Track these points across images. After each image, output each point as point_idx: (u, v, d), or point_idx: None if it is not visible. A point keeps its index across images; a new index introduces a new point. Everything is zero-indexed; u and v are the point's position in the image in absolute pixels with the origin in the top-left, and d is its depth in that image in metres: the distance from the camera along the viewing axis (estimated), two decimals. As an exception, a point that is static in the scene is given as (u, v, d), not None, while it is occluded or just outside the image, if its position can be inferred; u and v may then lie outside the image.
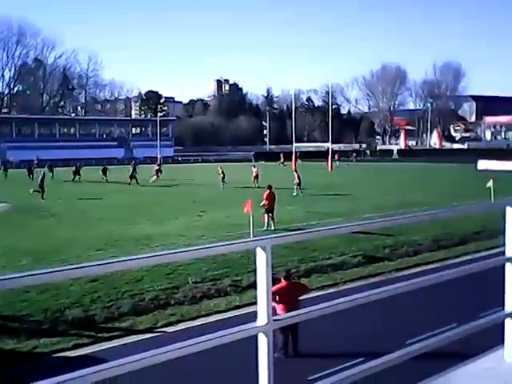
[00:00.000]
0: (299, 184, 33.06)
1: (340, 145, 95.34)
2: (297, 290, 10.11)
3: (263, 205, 21.09)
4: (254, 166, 25.74)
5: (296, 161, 62.91)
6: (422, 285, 3.03)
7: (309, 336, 9.35)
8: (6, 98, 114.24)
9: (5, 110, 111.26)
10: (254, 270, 9.39)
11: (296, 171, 34.05)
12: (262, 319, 2.38)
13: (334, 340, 10.35)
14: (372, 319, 10.38)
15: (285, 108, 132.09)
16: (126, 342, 10.77)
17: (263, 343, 2.38)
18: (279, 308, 9.33)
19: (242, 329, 2.37)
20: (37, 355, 9.95)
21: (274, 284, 9.49)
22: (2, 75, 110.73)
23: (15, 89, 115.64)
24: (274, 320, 2.43)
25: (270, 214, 20.88)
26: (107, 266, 2.12)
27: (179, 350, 2.17)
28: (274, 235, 2.55)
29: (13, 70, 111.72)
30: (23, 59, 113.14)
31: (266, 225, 20.65)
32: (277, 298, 9.30)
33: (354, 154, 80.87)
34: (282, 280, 10.05)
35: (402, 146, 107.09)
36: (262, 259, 2.38)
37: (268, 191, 21.63)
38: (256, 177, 37.08)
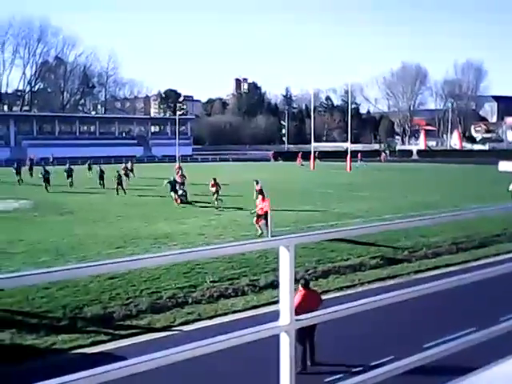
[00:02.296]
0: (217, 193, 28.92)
1: (359, 145, 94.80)
2: (314, 300, 9.65)
3: (259, 211, 19.95)
4: (257, 182, 23.76)
5: (314, 160, 62.75)
6: (443, 287, 2.98)
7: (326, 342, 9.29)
8: (27, 95, 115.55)
9: (26, 108, 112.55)
10: (272, 270, 9.42)
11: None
12: (285, 319, 2.37)
13: (349, 343, 10.27)
14: (388, 321, 10.28)
15: (303, 107, 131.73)
16: (144, 340, 10.81)
17: (285, 343, 2.36)
18: None
19: (264, 328, 2.35)
20: (55, 351, 10.03)
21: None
22: (24, 73, 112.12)
23: (36, 86, 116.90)
24: (297, 320, 2.41)
25: (264, 221, 19.64)
26: (127, 263, 2.12)
27: (200, 349, 2.15)
28: (298, 234, 2.53)
29: (34, 68, 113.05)
30: (44, 57, 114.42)
31: (259, 230, 19.58)
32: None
33: (384, 154, 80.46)
34: (300, 288, 9.72)
35: (421, 146, 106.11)
36: (285, 258, 2.37)
37: (261, 197, 20.63)
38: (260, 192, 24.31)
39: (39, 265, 15.03)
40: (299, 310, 8.74)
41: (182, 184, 31.88)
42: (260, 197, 20.75)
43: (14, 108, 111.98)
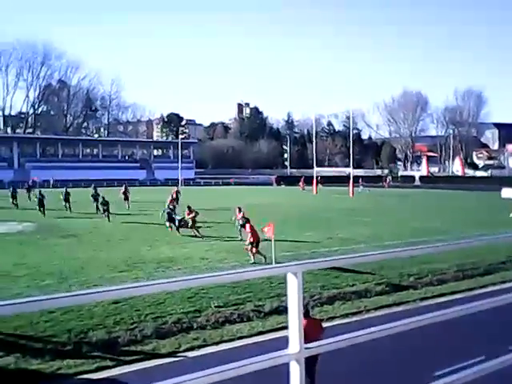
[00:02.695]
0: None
1: (361, 170, 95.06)
2: (316, 329, 9.28)
3: (250, 239, 19.38)
4: (240, 210, 22.87)
5: (317, 185, 62.86)
6: (451, 316, 2.97)
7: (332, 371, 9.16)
8: (30, 118, 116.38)
9: (29, 130, 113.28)
10: (277, 295, 9.36)
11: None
12: (294, 346, 2.35)
13: (358, 370, 10.15)
14: (397, 348, 10.17)
15: (305, 132, 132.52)
16: (149, 366, 10.69)
17: (295, 371, 2.34)
18: None
19: (273, 356, 2.34)
20: (60, 376, 9.92)
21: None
22: (27, 95, 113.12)
23: (39, 109, 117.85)
24: (306, 348, 2.39)
25: (255, 249, 19.14)
26: (132, 289, 2.12)
27: (209, 377, 2.13)
28: (306, 261, 2.53)
29: (37, 91, 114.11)
30: (48, 80, 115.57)
31: (252, 258, 19.13)
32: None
33: (388, 179, 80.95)
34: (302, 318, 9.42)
35: (424, 172, 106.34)
36: (293, 285, 2.37)
37: (249, 225, 20.08)
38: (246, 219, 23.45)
39: (43, 288, 14.99)
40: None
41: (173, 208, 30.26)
42: (247, 225, 20.10)
43: (18, 130, 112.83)
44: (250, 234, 19.43)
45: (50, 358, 10.55)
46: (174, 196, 36.81)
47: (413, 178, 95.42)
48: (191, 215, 26.11)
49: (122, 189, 40.07)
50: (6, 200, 40.60)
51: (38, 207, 34.47)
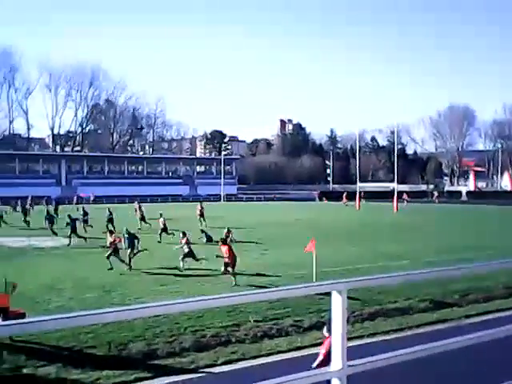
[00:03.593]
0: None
1: (405, 185, 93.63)
2: None
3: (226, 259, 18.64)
4: (229, 231, 24.86)
5: (360, 200, 62.22)
6: (497, 336, 2.85)
7: None
8: (78, 136, 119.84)
9: (77, 148, 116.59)
10: (316, 311, 9.22)
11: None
12: (337, 364, 2.31)
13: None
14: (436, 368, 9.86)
15: (348, 147, 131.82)
16: (188, 378, 10.71)
17: None
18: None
19: (315, 373, 2.31)
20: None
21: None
22: (76, 115, 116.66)
23: (87, 128, 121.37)
24: (349, 366, 2.34)
25: (230, 270, 18.45)
26: (172, 306, 2.13)
27: None
28: (351, 279, 2.48)
29: (85, 111, 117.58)
30: (95, 100, 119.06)
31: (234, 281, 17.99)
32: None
33: (436, 195, 79.71)
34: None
35: (471, 187, 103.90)
36: (337, 303, 2.35)
37: (227, 246, 18.97)
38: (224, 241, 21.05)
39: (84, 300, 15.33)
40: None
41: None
42: (225, 247, 18.94)
43: (66, 148, 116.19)
44: (226, 256, 18.58)
45: (90, 368, 10.70)
46: (199, 212, 38.07)
47: (459, 193, 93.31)
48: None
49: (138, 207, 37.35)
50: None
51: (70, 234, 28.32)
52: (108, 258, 20.60)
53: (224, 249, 18.94)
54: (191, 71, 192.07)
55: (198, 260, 20.63)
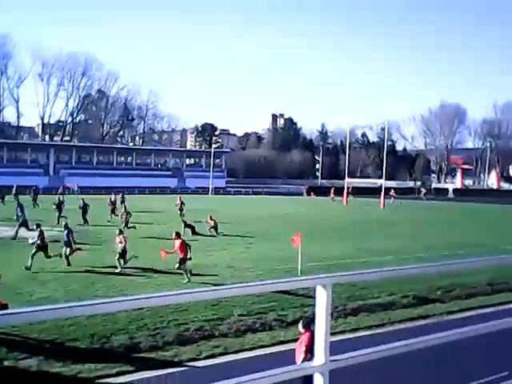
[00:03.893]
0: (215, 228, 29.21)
1: (393, 182, 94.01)
2: None
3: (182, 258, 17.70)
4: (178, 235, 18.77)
5: (347, 196, 62.40)
6: (481, 332, 2.90)
7: None
8: (68, 126, 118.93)
9: (66, 138, 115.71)
10: (300, 306, 9.32)
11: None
12: (320, 359, 2.34)
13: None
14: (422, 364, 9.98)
15: (339, 143, 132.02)
16: (170, 372, 10.75)
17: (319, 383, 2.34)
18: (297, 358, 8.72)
19: (297, 367, 2.34)
20: (81, 380, 10.05)
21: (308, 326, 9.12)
22: (67, 104, 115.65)
23: (78, 118, 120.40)
24: (332, 360, 2.37)
25: (183, 266, 17.62)
26: (159, 299, 2.12)
27: None
28: (336, 274, 2.51)
29: (77, 100, 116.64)
30: (87, 90, 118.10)
31: (186, 278, 17.33)
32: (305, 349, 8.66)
33: (424, 191, 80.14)
34: (303, 330, 9.20)
35: (458, 185, 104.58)
36: (322, 297, 2.37)
37: (180, 240, 18.15)
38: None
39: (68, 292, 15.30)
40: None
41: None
42: (178, 241, 18.06)
43: (55, 138, 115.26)
44: (180, 251, 17.72)
45: (72, 361, 10.70)
46: (179, 207, 36.70)
47: (446, 190, 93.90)
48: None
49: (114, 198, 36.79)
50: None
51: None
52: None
53: (177, 243, 17.99)
54: (184, 63, 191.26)
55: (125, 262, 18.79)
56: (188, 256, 17.85)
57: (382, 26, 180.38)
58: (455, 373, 10.51)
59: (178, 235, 18.64)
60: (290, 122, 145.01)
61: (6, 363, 10.48)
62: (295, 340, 12.85)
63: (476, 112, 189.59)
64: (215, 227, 29.14)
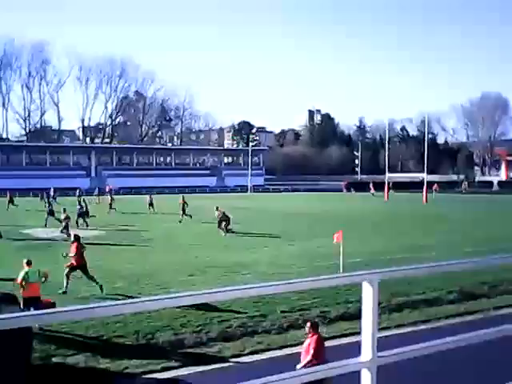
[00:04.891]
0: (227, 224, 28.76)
1: (435, 175, 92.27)
2: (322, 345, 8.86)
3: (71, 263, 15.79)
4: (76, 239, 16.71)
5: (388, 191, 61.61)
6: None
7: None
8: (108, 128, 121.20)
9: (106, 140, 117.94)
10: (343, 302, 9.22)
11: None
12: (367, 354, 2.31)
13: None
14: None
15: (378, 138, 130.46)
16: (215, 368, 10.82)
17: (366, 379, 2.32)
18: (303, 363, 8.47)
19: (344, 363, 2.31)
20: (128, 375, 10.23)
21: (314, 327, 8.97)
22: (105, 107, 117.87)
23: (117, 120, 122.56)
24: (379, 356, 2.34)
25: (74, 273, 15.62)
26: (205, 296, 2.13)
27: (281, 382, 2.13)
28: (382, 270, 2.46)
29: (115, 103, 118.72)
30: (125, 92, 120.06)
31: (65, 286, 15.05)
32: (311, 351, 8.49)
33: (464, 185, 78.72)
34: (310, 330, 8.92)
35: (503, 177, 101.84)
36: (368, 294, 2.35)
37: (76, 243, 16.20)
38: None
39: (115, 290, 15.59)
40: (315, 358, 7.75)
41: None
42: (74, 244, 16.20)
43: (96, 140, 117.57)
44: (73, 256, 15.85)
45: (118, 357, 10.88)
46: (181, 207, 35.34)
47: (491, 183, 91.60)
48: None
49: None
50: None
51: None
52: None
53: (73, 246, 16.18)
54: (220, 62, 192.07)
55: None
56: (84, 262, 15.45)
57: (413, 13, 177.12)
58: (504, 370, 10.22)
59: (76, 239, 16.55)
60: (327, 118, 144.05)
61: (54, 360, 10.73)
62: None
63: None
64: (227, 222, 28.88)
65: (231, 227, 28.96)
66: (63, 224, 27.95)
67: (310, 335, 8.90)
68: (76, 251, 15.88)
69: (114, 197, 44.63)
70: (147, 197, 41.46)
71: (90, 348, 11.24)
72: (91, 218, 33.45)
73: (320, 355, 8.49)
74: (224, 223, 28.68)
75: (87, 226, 31.52)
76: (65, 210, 28.57)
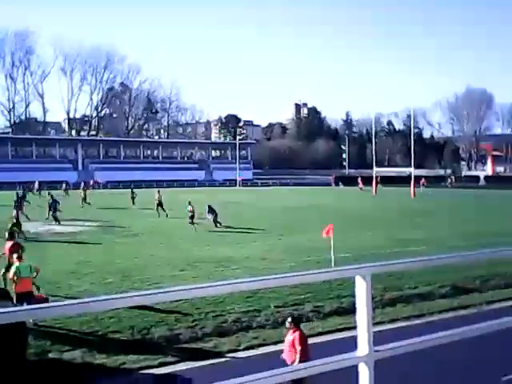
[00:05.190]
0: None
1: (423, 170, 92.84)
2: (306, 341, 8.77)
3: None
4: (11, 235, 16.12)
5: (376, 185, 61.87)
6: None
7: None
8: (93, 120, 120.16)
9: (92, 132, 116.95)
10: (336, 297, 9.21)
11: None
12: (363, 349, 2.29)
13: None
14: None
15: (364, 132, 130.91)
16: (211, 363, 10.78)
17: (364, 374, 2.29)
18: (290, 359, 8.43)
19: (341, 358, 2.30)
20: (125, 371, 10.17)
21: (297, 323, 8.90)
22: (91, 99, 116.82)
23: (102, 112, 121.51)
24: (376, 351, 2.32)
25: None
26: (198, 290, 2.09)
27: (275, 377, 2.12)
28: (375, 263, 2.44)
29: (101, 94, 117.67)
30: (110, 84, 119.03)
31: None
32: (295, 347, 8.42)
33: (450, 179, 79.38)
34: (289, 326, 8.92)
35: (489, 172, 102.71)
36: (361, 288, 2.33)
37: (11, 242, 15.15)
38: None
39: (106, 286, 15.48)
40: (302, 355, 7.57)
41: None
42: (9, 243, 15.06)
43: (82, 133, 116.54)
44: (7, 253, 14.55)
45: (115, 352, 10.81)
46: (157, 202, 34.42)
47: (477, 178, 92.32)
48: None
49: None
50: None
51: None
52: None
53: (8, 245, 14.97)
54: (206, 54, 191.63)
55: None
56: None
57: (399, 12, 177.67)
58: (498, 364, 10.30)
59: (10, 236, 15.76)
60: (313, 112, 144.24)
61: (50, 355, 10.63)
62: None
63: (503, 97, 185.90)
64: (214, 215, 29.04)
65: (219, 220, 28.94)
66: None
67: (291, 331, 8.74)
68: (10, 249, 14.53)
69: (101, 191, 44.36)
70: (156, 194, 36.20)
71: (86, 343, 11.16)
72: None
73: (306, 352, 8.37)
74: (211, 216, 28.94)
75: (57, 221, 30.33)
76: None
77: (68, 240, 24.59)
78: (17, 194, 38.37)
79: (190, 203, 29.26)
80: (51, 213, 31.04)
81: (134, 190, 42.64)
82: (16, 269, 12.29)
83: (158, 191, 36.19)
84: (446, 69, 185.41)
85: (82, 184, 48.92)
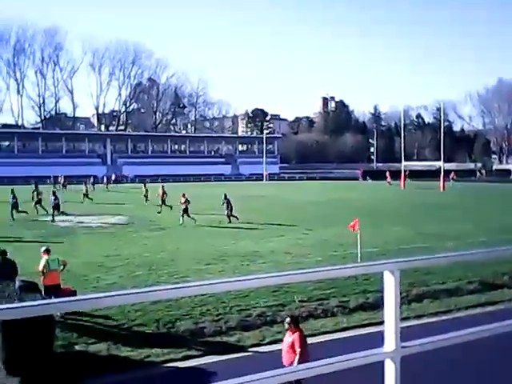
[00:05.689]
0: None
1: (452, 164, 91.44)
2: (305, 341, 8.48)
3: None
4: None
5: (405, 179, 61.21)
6: None
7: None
8: (122, 115, 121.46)
9: (121, 127, 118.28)
10: (362, 292, 9.11)
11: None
12: (390, 345, 2.27)
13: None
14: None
15: (393, 125, 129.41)
16: (235, 357, 10.82)
17: (390, 370, 2.27)
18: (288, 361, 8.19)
19: (368, 354, 2.27)
20: (150, 364, 10.28)
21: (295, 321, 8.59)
22: (119, 94, 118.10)
23: (131, 107, 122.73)
24: (403, 347, 2.29)
25: None
26: (224, 285, 2.09)
27: (303, 371, 2.13)
28: (404, 259, 2.41)
29: (129, 89, 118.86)
30: (138, 79, 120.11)
31: None
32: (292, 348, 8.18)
33: (480, 173, 78.16)
34: (288, 326, 8.61)
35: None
36: (389, 283, 2.30)
37: None
38: None
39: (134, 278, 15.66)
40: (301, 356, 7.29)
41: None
42: None
43: (110, 128, 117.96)
44: None
45: (140, 345, 10.93)
46: (160, 197, 33.40)
47: (508, 171, 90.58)
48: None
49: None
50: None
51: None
52: None
53: None
54: (233, 49, 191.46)
55: None
56: None
57: (448, 12, 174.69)
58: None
59: None
60: (341, 105, 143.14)
61: (77, 347, 10.81)
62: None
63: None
64: (229, 208, 28.67)
65: (235, 214, 28.69)
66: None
67: (291, 332, 8.44)
68: None
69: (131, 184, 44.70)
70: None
71: (112, 336, 11.31)
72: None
73: (306, 354, 8.15)
74: (227, 211, 28.55)
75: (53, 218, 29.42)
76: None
77: (96, 232, 24.98)
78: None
79: (183, 195, 28.09)
80: (56, 212, 29.69)
81: (147, 185, 41.39)
82: (46, 262, 12.52)
83: (162, 186, 34.69)
84: (478, 59, 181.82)
85: (105, 179, 49.42)
